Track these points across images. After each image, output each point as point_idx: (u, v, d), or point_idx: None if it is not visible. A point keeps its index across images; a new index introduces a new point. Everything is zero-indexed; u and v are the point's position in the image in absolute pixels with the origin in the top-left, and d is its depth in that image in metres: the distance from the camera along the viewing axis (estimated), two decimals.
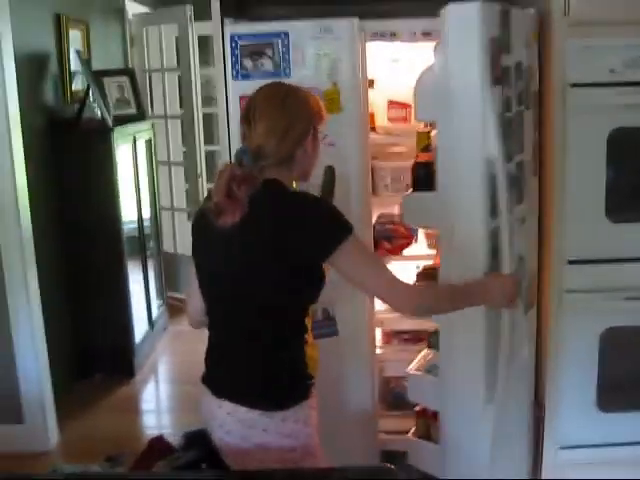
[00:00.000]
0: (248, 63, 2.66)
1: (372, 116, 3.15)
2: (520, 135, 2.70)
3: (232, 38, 2.64)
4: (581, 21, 2.71)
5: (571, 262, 2.89)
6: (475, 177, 2.50)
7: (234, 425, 2.02)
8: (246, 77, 2.68)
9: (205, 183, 6.24)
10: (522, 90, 2.69)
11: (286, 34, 2.64)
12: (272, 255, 1.95)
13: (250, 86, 2.62)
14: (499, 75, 2.48)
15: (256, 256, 1.97)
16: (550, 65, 2.78)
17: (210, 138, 6.85)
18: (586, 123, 2.78)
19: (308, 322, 2.10)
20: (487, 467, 2.63)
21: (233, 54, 2.66)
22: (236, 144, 2.68)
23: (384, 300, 2.11)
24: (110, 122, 4.47)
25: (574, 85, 2.75)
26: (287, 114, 2.01)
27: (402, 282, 2.02)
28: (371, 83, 2.94)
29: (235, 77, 2.68)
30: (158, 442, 3.28)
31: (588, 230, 2.87)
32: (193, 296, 2.18)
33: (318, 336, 2.26)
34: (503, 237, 2.45)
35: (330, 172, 2.44)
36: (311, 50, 2.67)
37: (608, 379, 2.99)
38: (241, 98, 2.68)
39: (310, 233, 1.94)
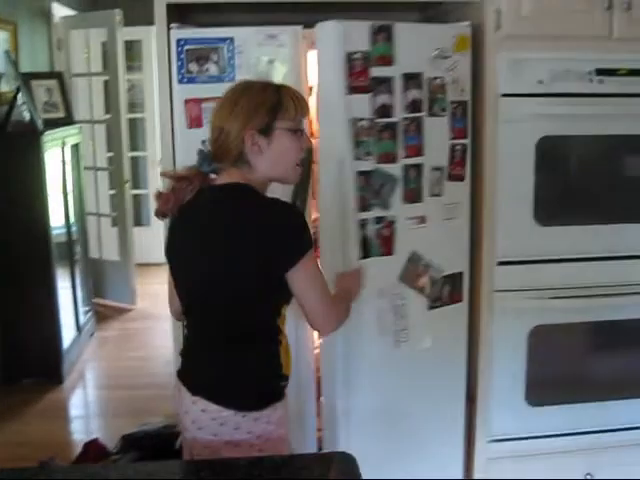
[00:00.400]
0: (194, 67, 2.70)
1: (310, 122, 3.22)
2: (415, 139, 2.83)
3: (178, 42, 2.68)
4: (512, 35, 2.84)
5: (501, 263, 3.02)
6: (332, 175, 2.72)
7: (207, 422, 2.03)
8: (191, 81, 2.71)
9: (131, 189, 6.23)
10: (419, 98, 2.81)
11: (232, 40, 2.69)
12: (239, 261, 1.95)
13: (195, 90, 2.71)
14: (364, 85, 2.71)
15: (224, 261, 1.97)
16: (483, 76, 2.91)
17: (135, 144, 6.84)
18: (516, 131, 2.92)
19: (282, 324, 2.10)
20: None
21: (179, 58, 2.69)
22: (181, 149, 2.77)
23: (313, 324, 2.09)
24: (40, 125, 4.43)
25: (504, 95, 2.89)
26: (228, 112, 1.98)
27: (332, 307, 2.07)
28: (310, 90, 3.01)
29: (180, 81, 2.72)
30: (93, 445, 3.29)
31: (517, 233, 3.00)
32: (172, 297, 2.21)
33: None
34: (352, 229, 2.70)
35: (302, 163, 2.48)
36: (255, 56, 2.72)
37: (536, 374, 3.13)
38: (186, 102, 2.73)
39: (275, 244, 1.93)
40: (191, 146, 2.74)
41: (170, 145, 2.83)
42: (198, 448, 2.06)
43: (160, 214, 2.08)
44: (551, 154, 3.00)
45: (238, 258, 1.95)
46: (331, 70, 2.69)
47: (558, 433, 3.18)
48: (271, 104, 1.97)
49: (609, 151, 3.13)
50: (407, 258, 2.89)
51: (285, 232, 1.94)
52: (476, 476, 3.19)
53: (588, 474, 3.22)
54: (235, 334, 2.04)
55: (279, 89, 2.02)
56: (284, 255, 1.94)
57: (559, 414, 3.18)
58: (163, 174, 2.21)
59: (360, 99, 2.72)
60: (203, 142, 2.69)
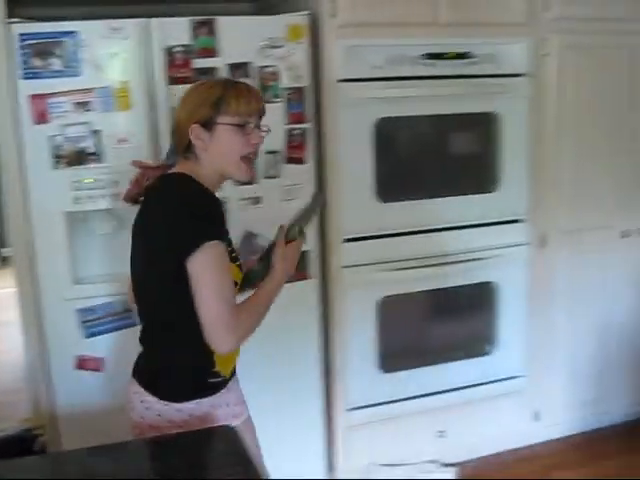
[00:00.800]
0: (37, 62, 2.67)
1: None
2: None
3: (20, 37, 2.63)
4: (347, 23, 2.99)
5: (347, 240, 3.19)
6: None
7: (136, 403, 2.08)
8: (36, 76, 2.68)
9: None
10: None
11: (75, 33, 2.67)
12: (151, 249, 2.00)
13: (40, 85, 2.68)
14: (187, 75, 2.81)
15: (143, 249, 2.04)
16: (321, 63, 3.05)
17: None
18: (355, 114, 3.08)
19: None
20: None
21: (22, 54, 2.65)
22: (31, 145, 2.73)
23: (206, 336, 1.94)
24: None
25: (343, 80, 3.04)
26: (180, 105, 2.05)
27: (232, 316, 1.92)
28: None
29: (24, 77, 2.68)
30: None
31: (361, 210, 3.17)
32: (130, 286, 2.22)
33: None
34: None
35: (316, 199, 2.43)
36: (101, 49, 2.72)
37: (386, 342, 3.32)
38: (31, 97, 2.70)
39: (177, 228, 1.92)
40: (39, 143, 2.73)
41: (13, 142, 2.78)
42: (130, 427, 2.12)
43: (126, 199, 2.18)
44: (387, 135, 3.18)
45: (154, 245, 1.98)
46: (150, 64, 2.80)
47: (410, 396, 3.40)
48: (215, 99, 1.98)
49: (437, 130, 3.36)
50: (241, 237, 2.96)
51: (187, 217, 1.92)
52: (337, 444, 3.35)
53: (440, 432, 3.46)
54: (159, 324, 2.08)
55: (227, 85, 2.04)
56: (183, 241, 1.90)
57: (409, 378, 3.39)
58: (134, 163, 2.22)
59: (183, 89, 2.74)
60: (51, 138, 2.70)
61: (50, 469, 1.85)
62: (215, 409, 2.10)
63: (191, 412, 2.05)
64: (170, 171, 2.07)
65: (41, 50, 2.67)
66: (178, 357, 2.05)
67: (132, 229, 2.08)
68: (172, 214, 1.94)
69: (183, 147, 2.04)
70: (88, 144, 2.77)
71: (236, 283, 2.05)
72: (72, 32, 2.68)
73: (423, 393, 3.41)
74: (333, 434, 3.35)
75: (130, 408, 2.12)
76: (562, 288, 3.58)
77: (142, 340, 2.15)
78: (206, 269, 1.90)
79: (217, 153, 2.01)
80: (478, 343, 3.55)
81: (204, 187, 1.99)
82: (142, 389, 2.07)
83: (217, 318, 1.90)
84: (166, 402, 2.04)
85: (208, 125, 1.98)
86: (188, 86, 2.10)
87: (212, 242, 1.90)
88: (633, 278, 3.72)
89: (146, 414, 2.06)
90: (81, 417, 2.90)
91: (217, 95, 1.99)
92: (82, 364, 2.91)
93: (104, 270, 2.92)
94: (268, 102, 2.88)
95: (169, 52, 2.80)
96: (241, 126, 2.00)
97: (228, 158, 2.03)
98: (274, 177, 3.03)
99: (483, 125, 3.36)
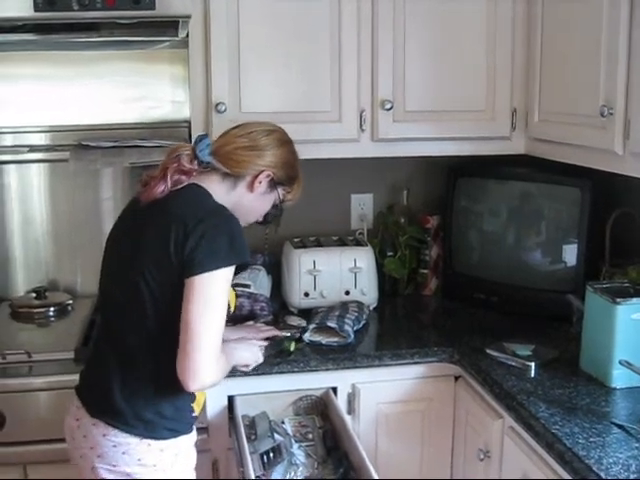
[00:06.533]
0: None
1: None
2: None
3: None
4: None
5: None
6: None
7: (107, 449, 1.84)
8: None
9: None
10: None
11: None
12: (153, 259, 1.83)
13: None
14: None
15: (144, 257, 1.85)
16: None
17: None
18: None
19: None
20: None
21: None
22: None
23: (178, 367, 1.76)
24: None
25: None
26: (273, 145, 2.00)
27: (212, 356, 1.76)
28: None
29: None
30: None
31: None
32: None
33: None
34: None
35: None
36: None
37: None
38: None
39: (193, 244, 1.77)
40: None
41: None
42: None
43: (149, 197, 1.96)
44: None
45: (153, 255, 1.83)
46: None
47: None
48: (295, 174, 2.08)
49: None
50: None
51: (237, 233, 1.85)
52: None
53: None
54: (143, 351, 1.87)
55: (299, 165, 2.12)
56: (193, 258, 1.77)
57: None
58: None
59: None
60: None
61: None
62: (193, 446, 1.98)
63: (176, 450, 1.90)
64: (197, 181, 1.93)
65: None
66: (172, 392, 1.86)
67: (120, 234, 1.99)
68: (216, 227, 1.81)
69: (234, 172, 1.97)
70: None
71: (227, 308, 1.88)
72: None
73: None
74: None
75: (91, 455, 1.86)
76: None
77: (106, 369, 1.90)
78: (210, 297, 1.77)
79: (251, 204, 2.03)
80: None
81: None
82: (116, 430, 1.84)
83: (202, 352, 1.74)
84: (149, 441, 1.84)
85: (273, 184, 2.02)
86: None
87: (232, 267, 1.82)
88: None
89: (121, 460, 1.84)
90: None
91: (296, 170, 2.09)
92: None
93: None
94: None
95: None
96: (281, 202, 2.10)
97: (253, 214, 2.08)
98: None
99: None
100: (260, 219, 2.12)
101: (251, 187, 1.98)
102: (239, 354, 2.09)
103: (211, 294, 1.76)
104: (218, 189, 1.95)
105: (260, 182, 1.98)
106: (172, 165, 1.90)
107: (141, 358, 1.87)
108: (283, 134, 2.07)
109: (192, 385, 1.74)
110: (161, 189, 1.88)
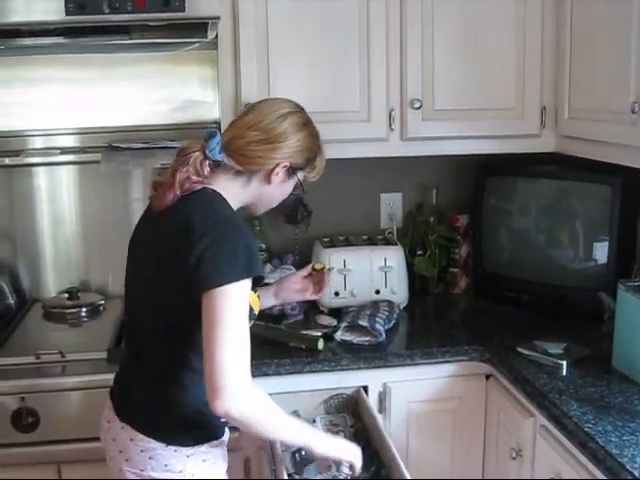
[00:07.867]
0: None
1: None
2: None
3: None
4: None
5: None
6: None
7: (134, 453, 1.83)
8: None
9: None
10: None
11: None
12: (172, 271, 1.77)
13: None
14: None
15: (163, 268, 1.80)
16: None
17: None
18: None
19: None
20: None
21: None
22: None
23: (208, 387, 1.65)
24: None
25: None
26: (290, 133, 1.87)
27: (241, 378, 1.65)
28: None
29: None
30: None
31: None
32: None
33: None
34: None
35: None
36: None
37: None
38: None
39: (204, 258, 1.69)
40: None
41: None
42: None
43: (161, 205, 1.89)
44: None
45: (171, 267, 1.77)
46: None
47: None
48: (312, 155, 1.95)
49: None
50: None
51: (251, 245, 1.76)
52: None
53: None
54: (170, 359, 1.83)
55: (320, 140, 1.99)
56: (205, 273, 1.69)
57: None
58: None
59: None
60: None
61: None
62: (224, 452, 1.92)
63: (205, 456, 1.85)
64: (210, 182, 1.85)
65: None
66: (189, 391, 1.83)
67: (137, 239, 1.97)
68: (227, 237, 1.73)
69: (249, 170, 1.87)
70: None
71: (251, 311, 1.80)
72: None
73: None
74: None
75: (120, 459, 1.86)
76: None
77: (131, 374, 1.93)
78: (227, 311, 1.67)
79: (271, 194, 1.95)
80: None
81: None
82: (142, 435, 1.81)
83: (227, 374, 1.63)
84: (176, 447, 1.81)
85: (291, 171, 1.91)
86: None
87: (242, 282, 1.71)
88: None
89: (149, 465, 1.82)
90: None
91: (315, 151, 1.95)
92: None
93: None
94: None
95: None
96: (301, 183, 1.98)
97: (275, 200, 2.00)
98: None
99: None
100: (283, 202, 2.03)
101: (268, 179, 1.88)
102: (339, 441, 1.97)
103: (220, 310, 1.65)
104: (232, 186, 1.87)
105: (277, 174, 1.88)
106: (182, 169, 1.81)
107: (163, 365, 1.84)
108: (300, 115, 1.92)
109: (214, 405, 1.63)
110: (170, 197, 1.81)
